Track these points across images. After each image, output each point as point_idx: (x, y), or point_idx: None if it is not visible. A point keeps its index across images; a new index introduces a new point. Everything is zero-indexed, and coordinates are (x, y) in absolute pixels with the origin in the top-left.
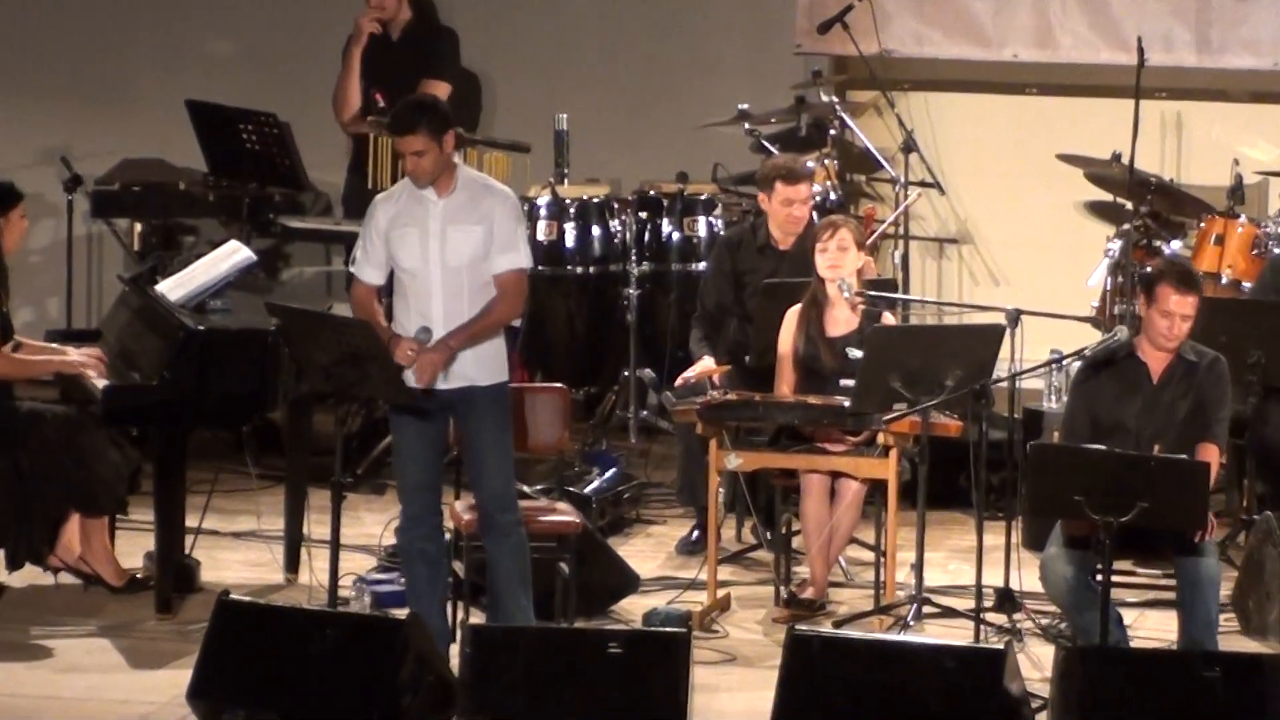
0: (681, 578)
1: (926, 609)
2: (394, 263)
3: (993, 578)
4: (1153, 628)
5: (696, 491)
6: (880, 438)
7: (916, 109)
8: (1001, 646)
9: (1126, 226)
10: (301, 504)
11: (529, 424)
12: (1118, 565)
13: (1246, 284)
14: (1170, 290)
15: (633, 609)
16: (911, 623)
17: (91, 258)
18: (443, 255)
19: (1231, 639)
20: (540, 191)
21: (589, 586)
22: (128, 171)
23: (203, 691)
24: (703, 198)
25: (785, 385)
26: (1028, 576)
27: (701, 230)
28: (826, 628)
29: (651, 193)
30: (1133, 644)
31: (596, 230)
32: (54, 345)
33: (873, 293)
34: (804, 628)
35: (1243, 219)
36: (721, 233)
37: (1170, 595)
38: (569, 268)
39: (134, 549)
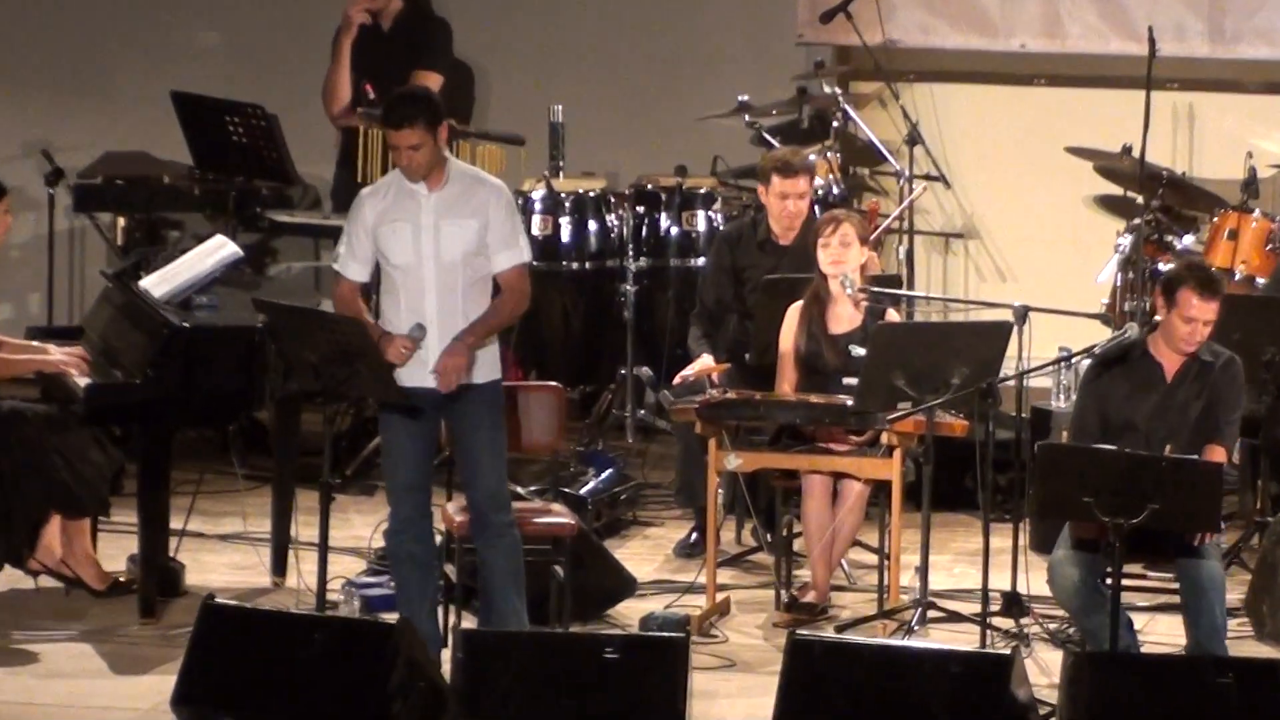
0: (680, 581)
1: (931, 613)
2: (383, 259)
3: (999, 581)
4: (1164, 632)
5: (695, 492)
6: (884, 437)
7: (922, 100)
8: (1008, 652)
9: (1137, 221)
10: (289, 505)
11: (523, 423)
12: (1128, 568)
13: (1261, 280)
14: (1193, 295)
15: (629, 613)
16: (916, 627)
17: (74, 253)
18: (436, 250)
19: (1244, 644)
20: (535, 185)
21: (584, 590)
22: (111, 165)
23: (187, 698)
24: (702, 192)
25: (786, 384)
26: (1035, 580)
27: (700, 225)
28: (828, 632)
29: (649, 186)
30: (1143, 649)
31: (593, 225)
32: (35, 344)
33: (876, 289)
34: (805, 632)
35: (1257, 213)
36: (721, 228)
37: None
38: (564, 263)
39: (117, 551)
